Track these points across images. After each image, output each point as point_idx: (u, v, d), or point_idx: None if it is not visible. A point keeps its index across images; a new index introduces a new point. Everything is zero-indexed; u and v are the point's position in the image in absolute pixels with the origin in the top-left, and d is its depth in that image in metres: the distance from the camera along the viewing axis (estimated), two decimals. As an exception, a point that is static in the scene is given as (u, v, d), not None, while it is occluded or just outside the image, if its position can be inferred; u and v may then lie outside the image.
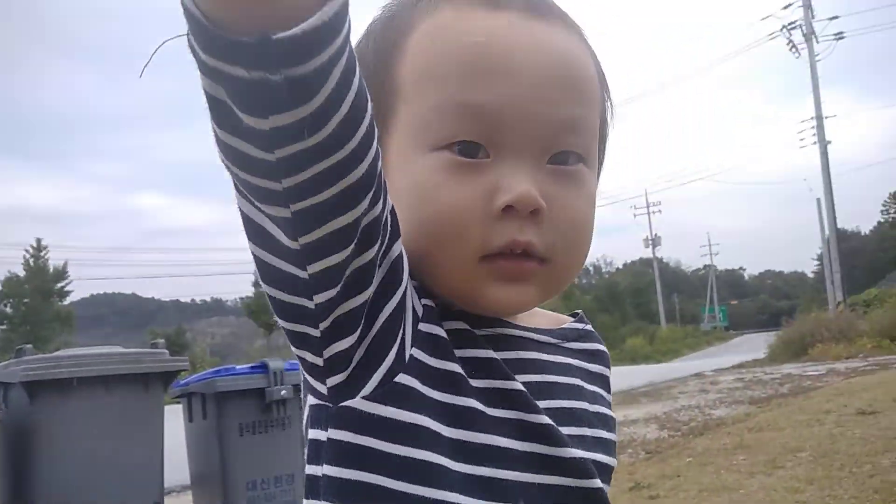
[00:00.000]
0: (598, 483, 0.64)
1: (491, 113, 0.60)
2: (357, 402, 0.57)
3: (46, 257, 38.99)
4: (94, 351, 3.28)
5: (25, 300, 36.91)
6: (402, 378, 0.58)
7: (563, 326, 0.75)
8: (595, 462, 0.65)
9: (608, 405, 0.74)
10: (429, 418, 0.58)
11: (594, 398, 0.71)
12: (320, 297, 0.53)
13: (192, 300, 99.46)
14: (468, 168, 0.61)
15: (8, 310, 37.18)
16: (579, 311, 0.80)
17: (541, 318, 0.75)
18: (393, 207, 0.56)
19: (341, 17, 0.45)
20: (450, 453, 0.59)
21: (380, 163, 0.53)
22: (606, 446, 0.70)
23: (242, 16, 0.43)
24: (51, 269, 38.65)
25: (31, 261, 38.52)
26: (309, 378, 0.60)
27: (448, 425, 0.59)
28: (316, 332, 0.55)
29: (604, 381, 0.75)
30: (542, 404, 0.63)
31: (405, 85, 0.64)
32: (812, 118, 26.85)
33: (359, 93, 0.48)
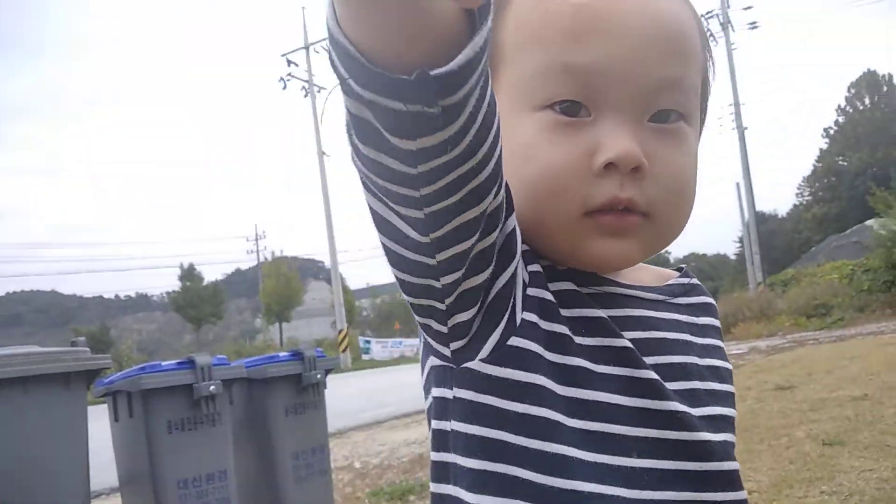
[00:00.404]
0: (705, 436, 0.65)
1: (593, 73, 0.61)
2: (476, 364, 0.62)
3: (-44, 254, 36.91)
4: (9, 351, 3.12)
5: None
6: (515, 341, 0.62)
7: (669, 283, 0.77)
8: (709, 416, 0.67)
9: (722, 356, 0.75)
10: (543, 377, 0.62)
11: (705, 351, 0.73)
12: (447, 279, 0.57)
13: (116, 296, 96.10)
14: (570, 127, 0.62)
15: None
16: (684, 265, 0.82)
17: (646, 274, 0.77)
18: (507, 184, 0.58)
19: (488, 41, 0.46)
20: (564, 410, 0.62)
21: (502, 155, 0.54)
22: (721, 398, 0.71)
23: (398, 54, 0.44)
24: (-39, 267, 36.63)
25: (-61, 258, 36.40)
26: (432, 342, 0.65)
27: (560, 384, 0.62)
28: (442, 306, 0.59)
29: (715, 332, 0.77)
30: (650, 360, 0.65)
31: (507, 47, 0.65)
32: (730, 104, 27.85)
33: (490, 100, 0.50)
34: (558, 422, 0.61)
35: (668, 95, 0.64)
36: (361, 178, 0.53)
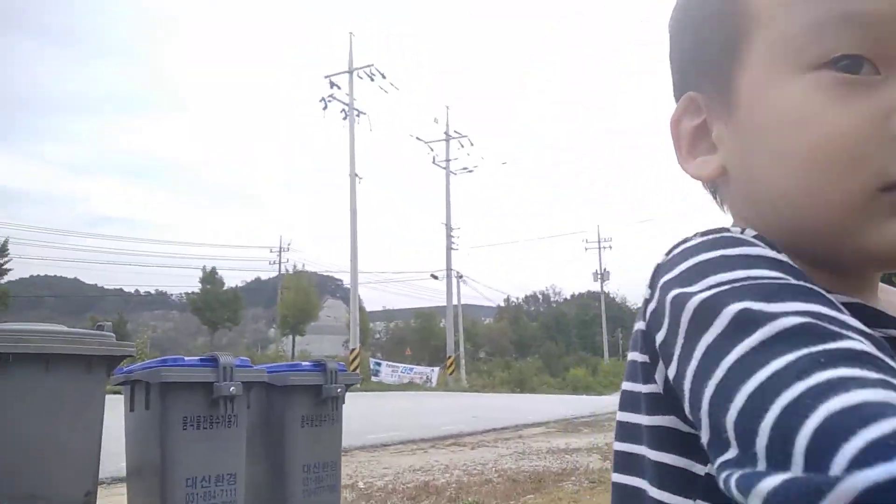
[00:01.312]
0: None
1: (881, 22, 0.52)
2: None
3: (-14, 232, 37.58)
4: (35, 327, 3.10)
5: (-41, 275, 35.47)
6: None
7: None
8: None
9: None
10: None
11: None
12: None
13: (136, 291, 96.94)
14: (855, 86, 0.53)
15: (-60, 283, 35.66)
16: None
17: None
18: None
19: None
20: None
21: None
22: None
23: None
24: (-9, 246, 37.23)
25: (-30, 235, 37.05)
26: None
27: None
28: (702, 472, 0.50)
29: None
30: None
31: (761, 8, 0.57)
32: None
33: None
34: None
35: None
36: None
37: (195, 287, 49.45)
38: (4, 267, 37.70)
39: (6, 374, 2.80)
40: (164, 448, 3.40)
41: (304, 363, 4.38)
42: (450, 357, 36.23)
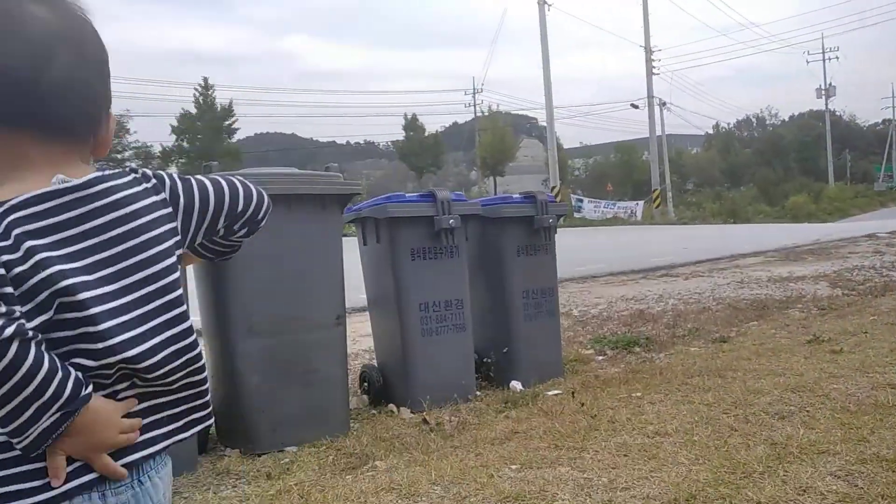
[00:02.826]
0: None
1: None
2: None
3: (214, 96, 41.33)
4: (276, 171, 3.37)
5: (199, 136, 39.75)
6: None
7: None
8: None
9: None
10: None
11: None
12: None
13: (347, 142, 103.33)
14: None
15: (185, 144, 40.30)
16: None
17: None
18: None
19: None
20: None
21: None
22: None
23: None
24: (218, 108, 41.04)
25: (201, 99, 40.99)
26: None
27: None
28: None
29: None
30: None
31: None
32: None
33: None
34: None
35: None
36: None
37: (399, 135, 51.54)
38: (233, 126, 41.60)
39: (258, 214, 3.11)
40: (396, 277, 3.68)
41: (514, 196, 4.44)
42: (655, 190, 35.05)
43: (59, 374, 0.83)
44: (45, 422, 0.83)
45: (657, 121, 37.23)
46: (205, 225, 1.04)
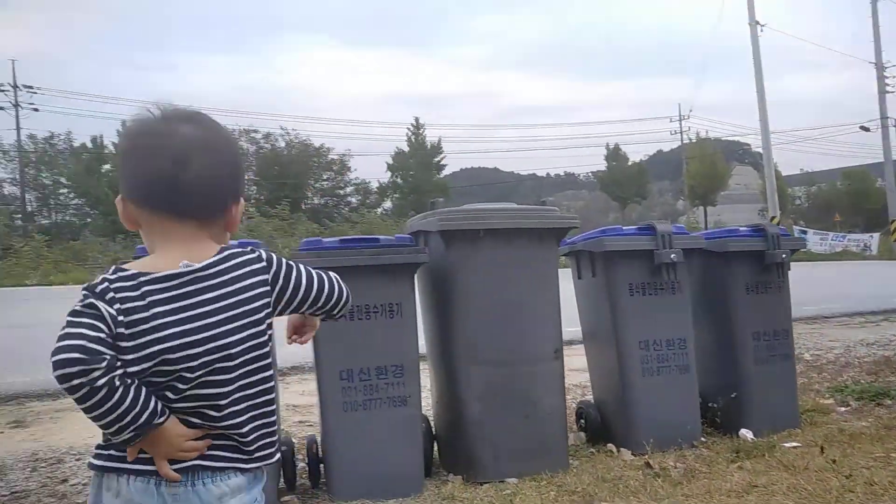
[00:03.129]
0: None
1: None
2: None
3: (424, 134, 43.63)
4: (496, 206, 3.45)
5: (411, 172, 42.09)
6: None
7: None
8: None
9: None
10: None
11: None
12: None
13: (547, 174, 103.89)
14: None
15: (398, 180, 42.85)
16: None
17: None
18: None
19: None
20: None
21: None
22: None
23: None
24: (428, 146, 43.24)
25: (413, 137, 43.46)
26: None
27: None
28: None
29: None
30: None
31: None
32: None
33: None
34: None
35: None
36: None
37: (600, 165, 50.87)
38: (441, 163, 43.58)
39: (479, 247, 3.21)
40: (614, 313, 3.60)
41: (741, 228, 4.17)
42: (893, 221, 31.21)
43: (138, 409, 1.15)
44: (125, 435, 1.17)
45: (893, 143, 33.21)
46: (291, 306, 1.35)
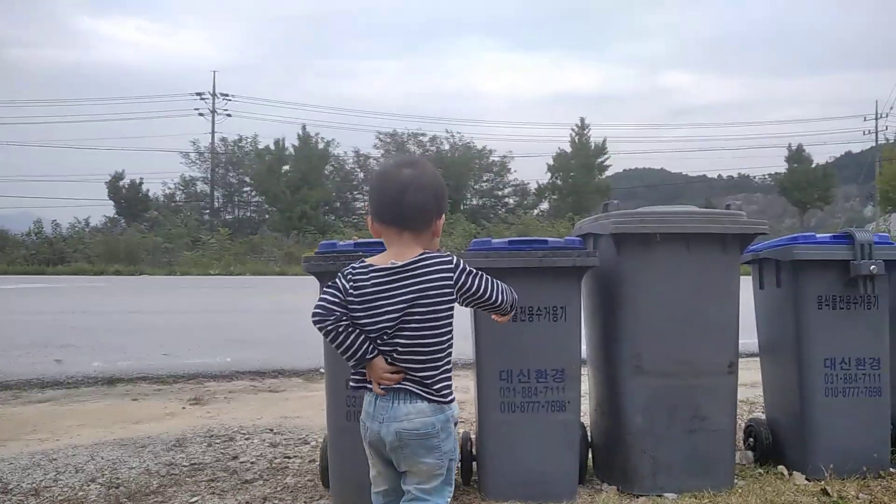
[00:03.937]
0: None
1: None
2: None
3: (588, 135, 42.89)
4: (675, 209, 3.28)
5: (572, 174, 41.54)
6: None
7: None
8: None
9: None
10: None
11: None
12: None
13: (719, 175, 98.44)
14: None
15: (558, 182, 42.46)
16: None
17: None
18: None
19: None
20: None
21: None
22: None
23: None
24: (592, 146, 42.45)
25: (576, 138, 42.85)
26: None
27: None
28: None
29: None
30: None
31: None
32: None
33: None
34: None
35: None
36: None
37: (780, 167, 47.35)
38: (605, 164, 42.63)
39: (654, 252, 3.07)
40: (798, 327, 3.31)
41: (955, 240, 3.68)
42: None
43: (355, 347, 1.85)
44: (352, 363, 1.89)
45: None
46: (466, 298, 1.95)
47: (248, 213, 47.12)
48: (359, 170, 48.25)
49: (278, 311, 11.65)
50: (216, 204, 45.97)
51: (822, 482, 3.13)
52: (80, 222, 36.69)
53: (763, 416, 3.76)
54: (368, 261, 1.89)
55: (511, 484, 2.99)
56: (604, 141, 42.58)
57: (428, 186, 1.87)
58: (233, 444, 4.06)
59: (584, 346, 3.30)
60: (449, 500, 1.91)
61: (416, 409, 1.82)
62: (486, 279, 1.93)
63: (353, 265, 1.89)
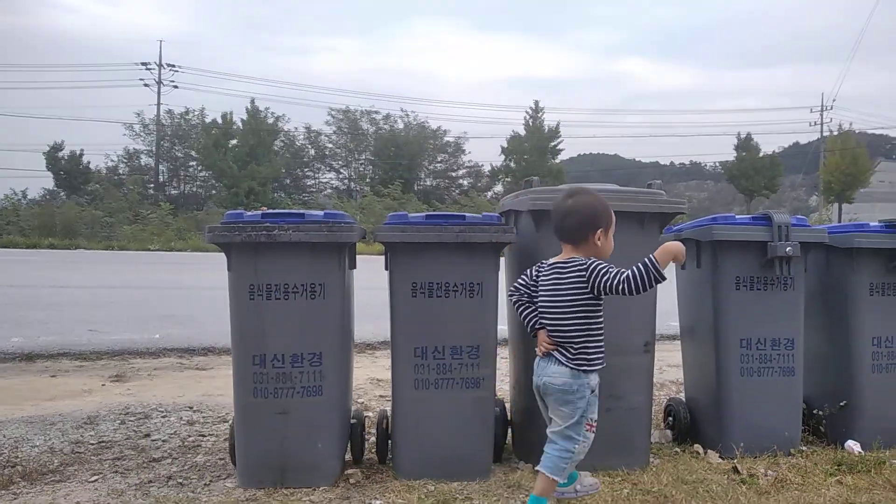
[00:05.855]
0: None
1: None
2: None
3: (543, 118, 42.98)
4: (595, 187, 3.23)
5: (525, 156, 41.65)
6: None
7: None
8: None
9: None
10: None
11: None
12: None
13: (671, 163, 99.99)
14: None
15: (511, 164, 42.54)
16: None
17: None
18: None
19: None
20: None
21: None
22: None
23: None
24: (545, 130, 42.58)
25: (530, 121, 42.93)
26: None
27: None
28: None
29: None
30: None
31: None
32: None
33: None
34: None
35: None
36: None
37: (729, 155, 48.32)
38: (557, 147, 42.85)
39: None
40: (716, 307, 3.33)
41: (872, 223, 3.75)
42: None
43: (527, 319, 2.58)
44: (529, 331, 2.59)
45: None
46: (597, 288, 2.39)
47: (195, 189, 45.97)
48: (309, 146, 47.47)
49: (213, 288, 11.37)
50: (161, 178, 44.70)
51: (734, 460, 3.17)
52: (17, 194, 35.36)
53: (683, 397, 3.79)
54: (551, 259, 2.53)
55: (425, 462, 2.94)
56: (557, 124, 42.78)
57: (580, 212, 2.46)
58: (147, 422, 3.92)
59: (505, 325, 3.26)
60: (572, 448, 2.42)
61: (559, 371, 2.42)
62: (612, 276, 2.35)
63: (543, 261, 2.57)
